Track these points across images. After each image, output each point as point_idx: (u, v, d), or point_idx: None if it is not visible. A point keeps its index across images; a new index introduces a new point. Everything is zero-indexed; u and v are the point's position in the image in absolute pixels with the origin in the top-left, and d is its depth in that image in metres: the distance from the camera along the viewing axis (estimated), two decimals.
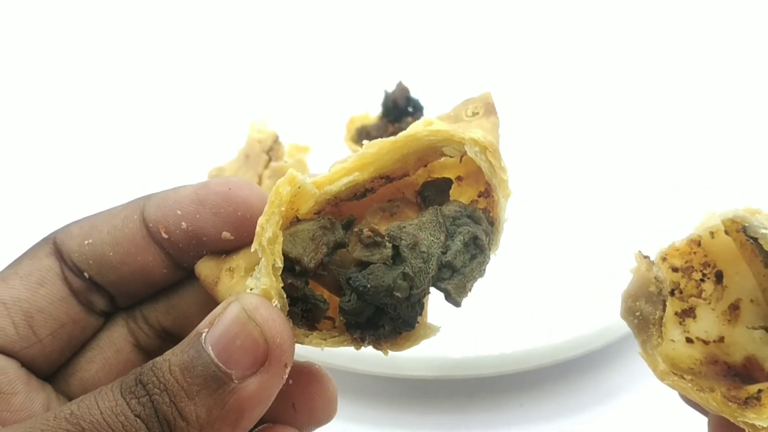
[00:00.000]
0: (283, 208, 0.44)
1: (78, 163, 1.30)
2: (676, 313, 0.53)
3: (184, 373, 0.40)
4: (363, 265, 0.44)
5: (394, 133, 1.49)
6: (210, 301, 0.46)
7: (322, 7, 1.74)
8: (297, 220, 0.47)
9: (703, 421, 0.53)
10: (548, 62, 1.52)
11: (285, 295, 0.43)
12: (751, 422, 0.46)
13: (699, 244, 0.53)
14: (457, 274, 0.44)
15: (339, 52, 1.57)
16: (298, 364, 0.52)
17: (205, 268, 0.48)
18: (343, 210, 0.49)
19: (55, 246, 0.51)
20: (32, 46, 1.68)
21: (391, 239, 0.44)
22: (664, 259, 0.53)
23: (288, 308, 0.43)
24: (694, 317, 0.53)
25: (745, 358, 0.51)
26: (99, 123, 1.40)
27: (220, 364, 0.40)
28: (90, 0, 1.77)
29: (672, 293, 0.52)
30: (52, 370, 0.52)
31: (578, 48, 1.57)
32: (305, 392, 0.51)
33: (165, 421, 0.39)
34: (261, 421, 0.49)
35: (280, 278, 0.43)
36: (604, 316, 0.91)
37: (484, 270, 0.46)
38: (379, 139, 0.47)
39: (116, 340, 0.53)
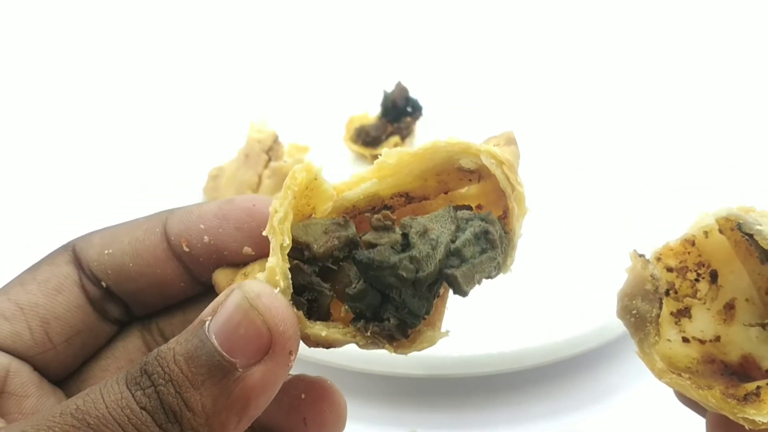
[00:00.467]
0: (296, 189, 0.44)
1: (78, 162, 1.30)
2: (671, 313, 0.53)
3: (188, 362, 0.39)
4: (371, 247, 0.44)
5: (393, 133, 1.49)
6: None
7: (321, 7, 1.75)
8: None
9: (698, 420, 0.53)
10: (546, 62, 1.52)
11: (290, 276, 0.43)
12: (751, 418, 0.45)
13: (693, 244, 0.53)
14: (465, 264, 0.44)
15: (338, 52, 1.57)
16: (309, 379, 0.52)
17: (221, 274, 0.49)
18: (362, 227, 0.49)
19: (74, 254, 0.51)
20: (33, 47, 1.68)
21: (402, 227, 0.44)
22: (658, 259, 0.53)
23: (292, 293, 0.43)
24: (690, 317, 0.53)
25: (742, 356, 0.51)
26: (99, 123, 1.40)
27: (224, 353, 0.39)
28: (91, 0, 1.77)
29: (667, 293, 0.52)
30: (65, 375, 0.52)
31: (575, 47, 1.58)
32: (316, 407, 0.51)
33: (171, 412, 0.39)
34: None
35: (287, 258, 0.43)
36: (601, 316, 0.91)
37: (495, 267, 0.45)
38: (398, 149, 0.47)
39: (131, 351, 0.53)
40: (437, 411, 0.91)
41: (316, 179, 0.45)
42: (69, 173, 1.28)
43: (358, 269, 0.44)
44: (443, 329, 0.47)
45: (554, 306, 0.94)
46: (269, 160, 1.18)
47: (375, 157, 1.31)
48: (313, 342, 0.44)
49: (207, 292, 0.52)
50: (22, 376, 0.49)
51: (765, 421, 0.45)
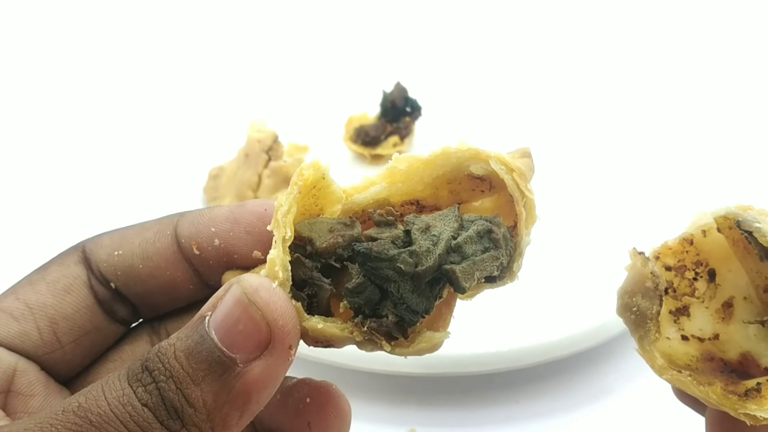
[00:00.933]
0: (301, 184, 0.44)
1: (78, 162, 1.30)
2: (670, 312, 0.53)
3: (189, 358, 0.39)
4: (372, 241, 0.44)
5: (392, 133, 1.48)
6: None
7: (321, 7, 1.75)
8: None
9: (696, 418, 0.53)
10: (544, 62, 1.52)
11: (290, 269, 0.42)
12: (752, 413, 0.45)
13: (691, 243, 0.53)
14: (466, 260, 0.43)
15: (338, 53, 1.58)
16: (315, 383, 0.52)
17: (230, 276, 0.49)
18: None
19: (84, 254, 0.51)
20: (33, 47, 1.68)
21: (405, 224, 0.44)
22: (657, 258, 0.53)
23: (292, 286, 0.43)
24: (689, 315, 0.53)
25: (741, 354, 0.51)
26: (100, 123, 1.40)
27: (224, 349, 0.39)
28: (91, 1, 1.78)
29: (666, 292, 0.52)
30: (72, 375, 0.52)
31: (573, 48, 1.58)
32: (321, 411, 0.51)
33: (172, 408, 0.39)
34: None
35: (288, 251, 0.43)
36: (599, 315, 0.92)
37: (497, 267, 0.44)
38: (409, 155, 0.47)
39: (138, 352, 0.53)
40: (436, 409, 0.92)
41: (323, 178, 0.45)
42: (69, 173, 1.28)
43: (356, 260, 0.44)
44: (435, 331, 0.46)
45: (552, 305, 0.95)
46: (269, 159, 1.18)
47: (374, 156, 1.33)
48: (312, 339, 0.44)
49: None
50: (29, 375, 0.49)
51: (766, 416, 0.44)
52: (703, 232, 0.52)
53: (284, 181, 1.16)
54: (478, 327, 0.90)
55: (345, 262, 0.45)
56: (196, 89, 1.45)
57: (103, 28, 1.71)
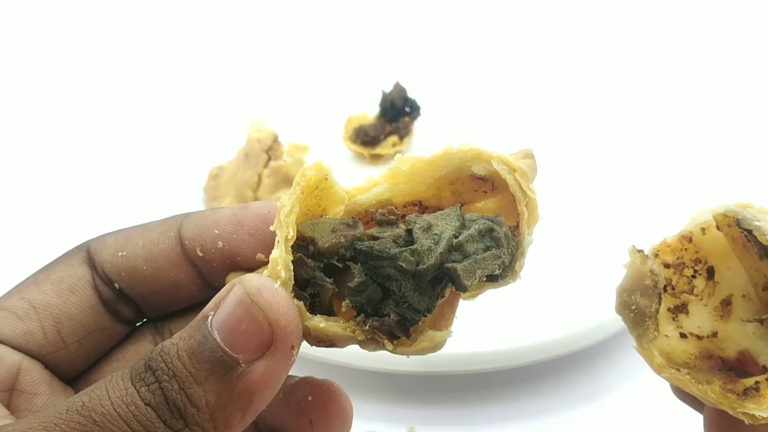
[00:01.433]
0: (303, 184, 0.44)
1: (79, 162, 1.31)
2: (668, 309, 0.52)
3: (191, 358, 0.39)
4: (374, 240, 0.44)
5: (392, 133, 1.48)
6: None
7: (320, 8, 1.75)
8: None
9: (693, 416, 0.53)
10: (543, 62, 1.53)
11: (292, 268, 0.43)
12: (750, 413, 0.45)
13: (690, 240, 0.52)
14: (467, 259, 0.43)
15: (337, 53, 1.58)
16: (317, 382, 0.52)
17: (234, 277, 0.49)
18: None
19: (88, 254, 0.52)
20: (33, 47, 1.68)
21: (406, 224, 0.44)
22: (656, 256, 0.52)
23: (294, 286, 0.43)
24: (687, 313, 0.52)
25: (739, 353, 0.50)
26: (100, 123, 1.41)
27: (227, 349, 0.39)
28: (91, 1, 1.78)
29: (664, 290, 0.52)
30: (76, 374, 0.52)
31: (572, 48, 1.58)
32: (323, 410, 0.51)
33: (175, 408, 0.39)
34: None
35: (290, 250, 0.43)
36: (596, 314, 0.92)
37: (499, 266, 0.44)
38: (411, 156, 0.47)
39: (142, 353, 0.53)
40: (436, 408, 0.92)
41: (326, 179, 0.45)
42: (70, 173, 1.29)
43: (358, 259, 0.44)
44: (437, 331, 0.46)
45: (550, 304, 0.95)
46: (269, 159, 1.18)
47: (373, 156, 1.33)
48: (314, 339, 0.44)
49: None
50: (33, 374, 0.49)
51: (765, 415, 0.44)
52: (702, 229, 0.52)
53: (284, 180, 1.16)
54: (477, 326, 0.90)
55: (348, 262, 0.45)
56: (196, 89, 1.45)
57: (104, 28, 1.71)
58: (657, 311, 0.49)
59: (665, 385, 0.89)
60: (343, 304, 0.45)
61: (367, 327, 0.43)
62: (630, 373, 0.95)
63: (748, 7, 1.67)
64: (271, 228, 0.44)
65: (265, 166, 1.18)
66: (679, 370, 0.48)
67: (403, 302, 0.43)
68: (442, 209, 0.48)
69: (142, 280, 0.51)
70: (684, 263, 0.53)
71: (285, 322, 0.40)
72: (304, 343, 0.45)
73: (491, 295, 0.47)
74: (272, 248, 0.43)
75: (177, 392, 0.39)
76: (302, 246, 0.45)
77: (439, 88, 1.44)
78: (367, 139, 1.29)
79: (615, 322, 0.92)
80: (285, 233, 0.43)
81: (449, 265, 0.43)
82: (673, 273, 0.53)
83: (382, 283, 0.43)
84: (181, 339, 0.40)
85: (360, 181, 0.48)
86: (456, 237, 0.44)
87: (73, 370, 0.52)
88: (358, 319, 0.44)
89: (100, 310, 0.51)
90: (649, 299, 0.49)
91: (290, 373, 0.54)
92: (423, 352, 0.44)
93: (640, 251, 0.50)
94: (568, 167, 1.21)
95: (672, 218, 0.59)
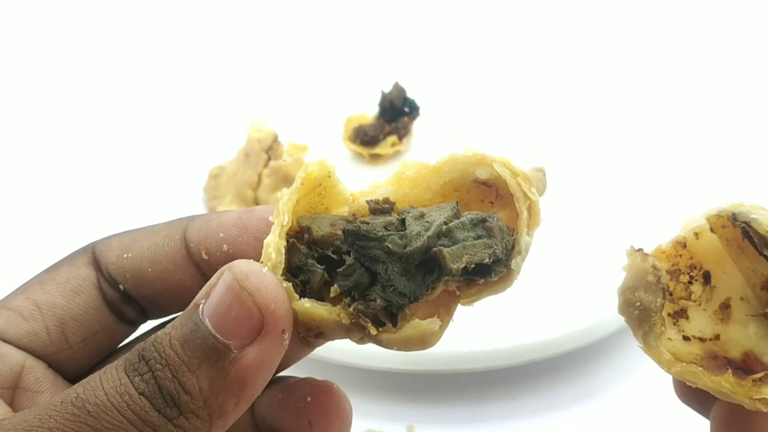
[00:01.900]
0: (304, 176, 0.44)
1: (79, 162, 1.31)
2: (669, 315, 0.52)
3: (184, 346, 0.39)
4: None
5: (391, 133, 1.48)
6: None
7: (320, 8, 1.76)
8: None
9: (691, 415, 0.53)
10: (542, 62, 1.53)
11: (283, 252, 0.43)
12: None
13: (684, 246, 0.52)
14: (456, 245, 0.43)
15: (337, 53, 1.58)
16: (316, 383, 0.52)
17: None
18: None
19: (94, 256, 0.52)
20: (33, 48, 1.69)
21: (401, 213, 0.44)
22: None
23: (287, 272, 0.43)
24: (687, 318, 0.52)
25: (743, 353, 0.50)
26: (101, 123, 1.41)
27: (218, 335, 0.39)
28: (91, 1, 1.78)
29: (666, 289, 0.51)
30: (80, 373, 0.53)
31: (571, 48, 1.59)
32: (322, 410, 0.51)
33: (169, 396, 0.39)
34: None
35: (284, 235, 0.43)
36: (593, 314, 0.93)
37: (489, 256, 0.43)
38: (417, 162, 0.47)
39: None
40: (434, 406, 0.93)
41: (329, 177, 0.46)
42: (70, 173, 1.29)
43: (345, 240, 0.44)
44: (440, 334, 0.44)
45: (547, 304, 0.96)
46: (269, 159, 1.19)
47: (373, 156, 1.34)
48: (302, 326, 0.44)
49: None
50: (37, 372, 0.50)
51: None
52: (696, 234, 0.52)
53: (284, 180, 1.17)
54: (474, 325, 0.91)
55: (343, 255, 0.45)
56: (196, 89, 1.45)
57: (104, 28, 1.72)
58: (662, 306, 0.48)
59: (661, 385, 0.89)
60: (332, 289, 0.44)
61: (351, 309, 0.43)
62: (626, 372, 0.95)
63: (747, 14, 1.67)
64: (270, 218, 0.44)
65: (265, 165, 1.18)
66: (690, 364, 0.46)
67: (389, 286, 0.43)
68: None
69: (146, 282, 0.52)
70: (680, 269, 0.52)
71: (274, 307, 0.40)
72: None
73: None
74: None
75: (170, 380, 0.39)
76: (299, 237, 0.45)
77: (438, 88, 1.45)
78: (366, 138, 1.30)
79: (611, 322, 0.93)
80: (281, 220, 0.43)
81: (436, 248, 0.43)
82: (670, 279, 0.52)
83: (370, 266, 0.43)
84: (173, 328, 0.40)
85: (365, 185, 0.48)
86: (446, 224, 0.43)
87: (76, 370, 0.52)
88: (344, 302, 0.43)
89: (104, 311, 0.52)
90: (653, 295, 0.47)
91: (290, 372, 0.55)
92: (410, 342, 0.43)
93: (639, 250, 0.49)
94: (564, 167, 1.21)
95: (667, 219, 0.59)
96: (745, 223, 0.48)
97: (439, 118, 1.37)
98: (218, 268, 0.50)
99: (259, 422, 0.53)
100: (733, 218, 0.48)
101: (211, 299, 0.40)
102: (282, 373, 0.55)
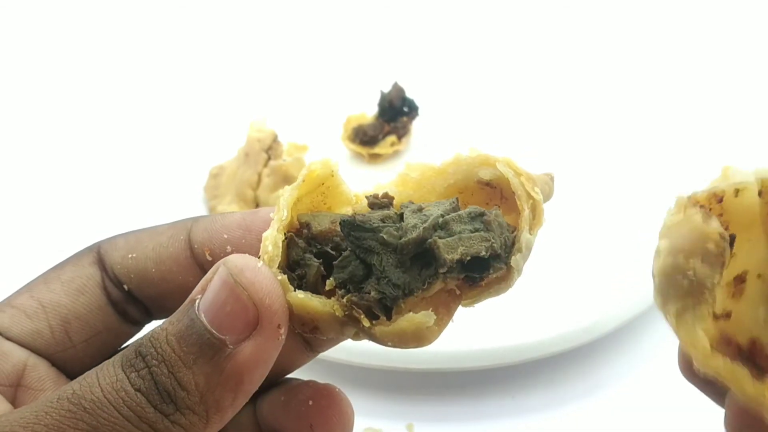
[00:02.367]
0: (306, 174, 0.44)
1: (80, 161, 1.31)
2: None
3: (179, 342, 0.39)
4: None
5: (390, 133, 1.49)
6: None
7: (319, 8, 1.76)
8: None
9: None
10: (542, 61, 1.53)
11: (280, 245, 0.43)
12: None
13: (720, 201, 0.43)
14: (451, 237, 0.43)
15: (336, 53, 1.58)
16: (318, 386, 0.52)
17: None
18: None
19: (99, 255, 0.52)
20: (33, 48, 1.69)
21: (400, 208, 0.44)
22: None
23: (284, 267, 0.43)
24: None
25: (750, 340, 0.44)
26: (101, 123, 1.41)
27: (213, 331, 0.39)
28: (91, 1, 1.78)
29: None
30: (82, 372, 0.53)
31: (570, 47, 1.59)
32: (324, 414, 0.51)
33: (165, 392, 0.39)
34: None
35: (282, 230, 0.43)
36: (592, 312, 0.93)
37: (486, 249, 0.43)
38: (421, 163, 0.47)
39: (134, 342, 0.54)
40: (433, 404, 0.93)
41: (332, 176, 0.46)
42: (70, 173, 1.29)
43: (342, 230, 0.44)
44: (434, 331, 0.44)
45: (546, 302, 0.96)
46: (269, 158, 1.19)
47: (372, 156, 1.34)
48: (297, 320, 0.43)
49: None
50: (40, 370, 0.50)
51: None
52: (737, 190, 0.43)
53: (284, 179, 1.17)
54: (473, 324, 0.91)
55: (342, 252, 0.45)
56: (196, 89, 1.45)
57: (104, 29, 1.72)
58: (718, 284, 0.40)
59: (659, 384, 0.90)
60: (327, 282, 0.44)
61: (345, 300, 0.42)
62: (624, 371, 0.96)
63: (745, 20, 1.67)
64: (270, 215, 0.44)
65: (265, 165, 1.19)
66: (733, 362, 0.38)
67: (383, 278, 0.43)
68: None
69: (150, 282, 0.52)
70: None
71: (269, 301, 0.40)
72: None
73: None
74: None
75: (166, 376, 0.39)
76: (299, 233, 0.45)
77: (438, 88, 1.45)
78: (365, 138, 1.30)
79: (610, 321, 0.94)
80: (280, 215, 0.43)
81: (431, 240, 0.42)
82: None
83: (365, 257, 0.43)
84: (169, 324, 0.40)
85: (369, 187, 0.48)
86: (443, 216, 0.43)
87: (79, 369, 0.52)
88: (338, 294, 0.43)
89: (108, 311, 0.52)
90: (712, 268, 0.39)
91: (292, 375, 0.55)
92: (404, 337, 0.42)
93: (701, 207, 0.40)
94: (564, 167, 1.21)
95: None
96: None
97: (438, 118, 1.38)
98: None
99: (261, 424, 0.53)
100: None
101: (206, 295, 0.40)
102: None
